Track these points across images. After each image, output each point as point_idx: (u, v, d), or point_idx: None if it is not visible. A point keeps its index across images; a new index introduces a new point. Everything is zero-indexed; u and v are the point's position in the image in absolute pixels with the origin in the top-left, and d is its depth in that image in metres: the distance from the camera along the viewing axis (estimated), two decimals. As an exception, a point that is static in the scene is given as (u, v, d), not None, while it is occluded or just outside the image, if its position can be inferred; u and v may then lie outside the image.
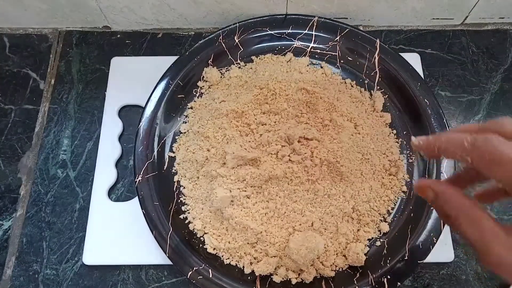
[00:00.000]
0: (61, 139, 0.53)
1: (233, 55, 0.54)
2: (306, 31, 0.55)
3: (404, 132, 0.51)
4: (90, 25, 0.59)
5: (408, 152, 0.50)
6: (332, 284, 0.44)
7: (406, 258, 0.45)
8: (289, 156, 0.45)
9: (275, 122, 0.48)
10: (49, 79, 0.57)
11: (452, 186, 0.27)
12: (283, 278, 0.44)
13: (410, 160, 0.50)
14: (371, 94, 0.53)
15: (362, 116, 0.50)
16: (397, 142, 0.51)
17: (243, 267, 0.45)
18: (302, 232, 0.44)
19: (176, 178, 0.49)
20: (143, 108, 0.51)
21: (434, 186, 0.27)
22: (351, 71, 0.54)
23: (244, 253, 0.45)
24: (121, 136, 0.53)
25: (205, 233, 0.46)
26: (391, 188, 0.48)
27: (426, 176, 0.49)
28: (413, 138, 0.28)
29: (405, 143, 0.51)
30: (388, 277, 0.44)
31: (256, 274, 0.44)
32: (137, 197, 0.47)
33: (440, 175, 0.48)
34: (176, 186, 0.49)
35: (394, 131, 0.51)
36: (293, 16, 0.55)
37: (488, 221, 0.24)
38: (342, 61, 0.54)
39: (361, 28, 0.58)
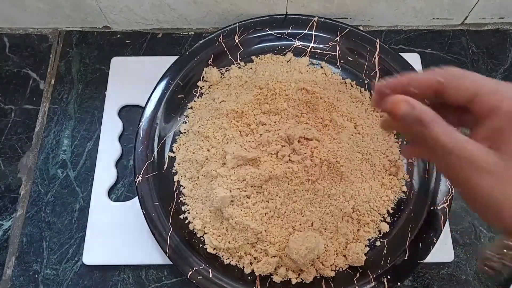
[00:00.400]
0: (61, 139, 0.54)
1: (233, 55, 0.54)
2: (306, 31, 0.55)
3: (394, 134, 0.51)
4: (90, 25, 0.59)
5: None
6: (332, 284, 0.44)
7: (406, 258, 0.45)
8: (289, 156, 0.45)
9: (275, 122, 0.48)
10: (49, 79, 0.57)
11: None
12: (283, 278, 0.44)
13: (410, 160, 0.50)
14: (371, 94, 0.53)
15: (362, 116, 0.50)
16: (397, 142, 0.51)
17: (243, 267, 0.45)
18: (302, 232, 0.44)
19: (176, 178, 0.49)
20: (143, 108, 0.51)
21: (410, 100, 0.26)
22: (351, 71, 0.54)
23: (244, 253, 0.45)
24: (121, 136, 0.53)
25: (205, 233, 0.46)
26: (391, 188, 0.48)
27: (426, 176, 0.49)
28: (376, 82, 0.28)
29: (405, 143, 0.51)
30: (388, 277, 0.44)
31: (256, 274, 0.44)
32: (137, 197, 0.47)
33: (440, 175, 0.48)
34: (176, 186, 0.49)
35: (394, 131, 0.51)
36: (293, 16, 0.55)
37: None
38: (342, 61, 0.54)
39: (361, 28, 0.58)
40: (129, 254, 0.47)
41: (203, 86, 0.53)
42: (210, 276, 0.44)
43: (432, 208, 0.47)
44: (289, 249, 0.43)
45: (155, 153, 0.49)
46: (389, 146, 0.50)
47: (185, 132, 0.51)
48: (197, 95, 0.53)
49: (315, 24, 0.55)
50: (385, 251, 0.46)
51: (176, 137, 0.51)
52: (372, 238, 0.46)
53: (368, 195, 0.46)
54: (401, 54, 0.54)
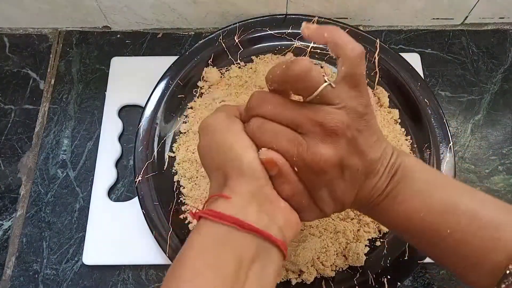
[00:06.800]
0: (61, 139, 0.53)
1: (233, 55, 0.54)
2: (306, 31, 0.55)
3: (404, 132, 0.51)
4: (90, 25, 0.59)
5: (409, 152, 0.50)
6: (332, 284, 0.44)
7: (406, 258, 0.45)
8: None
9: (275, 122, 0.48)
10: (49, 79, 0.57)
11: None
12: (283, 279, 0.44)
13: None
14: (373, 94, 0.53)
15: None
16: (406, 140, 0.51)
17: (243, 267, 0.45)
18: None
19: (176, 178, 0.49)
20: (143, 108, 0.51)
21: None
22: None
23: (244, 253, 0.45)
24: (121, 136, 0.53)
25: (205, 233, 0.46)
26: (391, 188, 0.48)
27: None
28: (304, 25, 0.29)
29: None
30: (388, 277, 0.44)
31: (256, 274, 0.44)
32: (137, 197, 0.47)
33: (440, 175, 0.48)
34: (176, 186, 0.49)
35: (400, 127, 0.51)
36: (293, 16, 0.55)
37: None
38: (342, 61, 0.54)
39: (361, 28, 0.58)
40: (129, 254, 0.47)
41: (203, 86, 0.53)
42: (210, 276, 0.44)
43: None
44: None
45: (155, 153, 0.49)
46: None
47: (185, 132, 0.51)
48: (197, 95, 0.53)
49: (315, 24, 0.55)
50: (385, 251, 0.46)
51: (176, 137, 0.51)
52: (372, 238, 0.46)
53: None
54: (401, 54, 0.54)
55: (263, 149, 0.28)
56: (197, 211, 0.29)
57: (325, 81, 0.27)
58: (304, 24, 0.29)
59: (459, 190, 0.30)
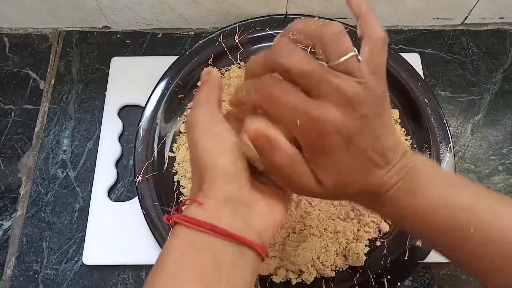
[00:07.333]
0: (61, 139, 0.54)
1: (233, 55, 0.54)
2: (306, 31, 0.55)
3: (404, 132, 0.51)
4: (90, 25, 0.59)
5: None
6: (332, 284, 0.44)
7: (406, 258, 0.45)
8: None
9: (275, 122, 0.48)
10: (49, 79, 0.57)
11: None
12: (283, 279, 0.44)
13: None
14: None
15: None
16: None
17: (243, 267, 0.45)
18: (297, 233, 0.44)
19: (176, 178, 0.49)
20: (143, 108, 0.51)
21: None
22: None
23: (244, 253, 0.45)
24: (121, 136, 0.53)
25: (205, 233, 0.46)
26: (391, 188, 0.48)
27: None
28: None
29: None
30: (388, 277, 0.44)
31: (256, 274, 0.44)
32: (137, 197, 0.47)
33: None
34: (176, 186, 0.49)
35: (399, 127, 0.51)
36: (293, 16, 0.55)
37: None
38: (342, 61, 0.54)
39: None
40: (129, 254, 0.47)
41: (203, 86, 0.53)
42: (210, 276, 0.44)
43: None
44: (285, 252, 0.43)
45: (155, 153, 0.49)
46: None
47: (185, 132, 0.51)
48: (197, 95, 0.53)
49: (315, 24, 0.55)
50: (385, 251, 0.46)
51: (176, 137, 0.51)
52: (372, 238, 0.46)
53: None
54: (401, 54, 0.54)
55: (248, 118, 0.27)
56: (173, 215, 0.28)
57: (354, 51, 0.26)
58: None
59: (479, 190, 0.29)
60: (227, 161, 0.28)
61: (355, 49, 0.26)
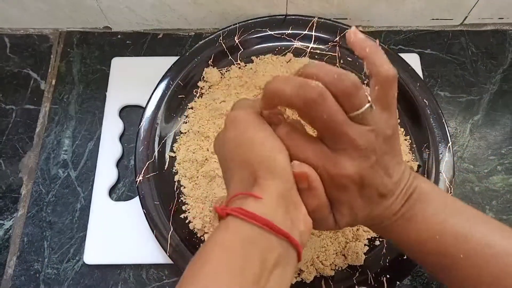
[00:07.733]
0: (62, 139, 0.54)
1: (233, 55, 0.55)
2: (306, 32, 0.55)
3: (403, 132, 0.52)
4: (91, 25, 0.60)
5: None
6: (331, 283, 0.45)
7: (405, 257, 0.45)
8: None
9: (275, 122, 0.48)
10: (50, 80, 0.57)
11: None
12: (283, 278, 0.45)
13: (410, 162, 0.50)
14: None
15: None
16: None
17: (243, 266, 0.45)
18: None
19: (176, 178, 0.49)
20: (144, 108, 0.51)
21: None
22: (351, 72, 0.54)
23: (244, 252, 0.45)
24: (122, 136, 0.54)
25: (205, 233, 0.47)
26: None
27: (425, 177, 0.49)
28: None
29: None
30: (388, 276, 0.44)
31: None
32: (138, 196, 0.47)
33: (439, 175, 0.48)
34: (177, 186, 0.49)
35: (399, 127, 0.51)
36: (293, 17, 0.55)
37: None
38: (342, 62, 0.55)
39: (361, 29, 0.58)
40: (130, 254, 0.48)
41: (204, 87, 0.53)
42: (211, 275, 0.44)
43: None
44: None
45: (156, 153, 0.49)
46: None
47: (185, 132, 0.51)
48: (198, 95, 0.53)
49: (314, 24, 0.55)
50: (384, 250, 0.46)
51: (177, 137, 0.51)
52: (372, 237, 0.47)
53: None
54: (401, 54, 0.54)
55: (296, 162, 0.29)
56: (224, 207, 0.28)
57: (368, 101, 0.27)
58: (353, 28, 0.29)
59: (474, 217, 0.31)
60: (285, 160, 0.29)
61: (369, 99, 0.28)
